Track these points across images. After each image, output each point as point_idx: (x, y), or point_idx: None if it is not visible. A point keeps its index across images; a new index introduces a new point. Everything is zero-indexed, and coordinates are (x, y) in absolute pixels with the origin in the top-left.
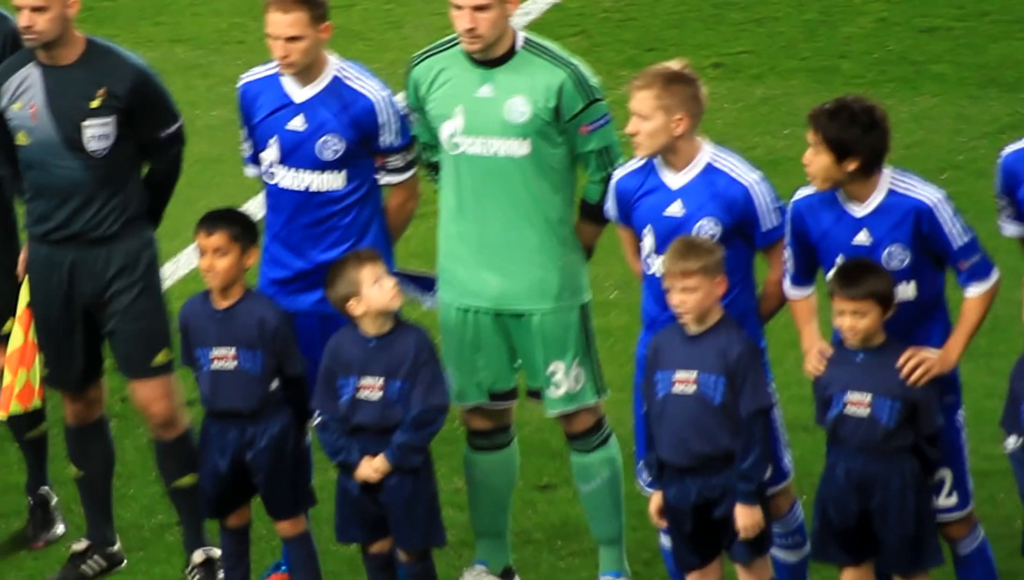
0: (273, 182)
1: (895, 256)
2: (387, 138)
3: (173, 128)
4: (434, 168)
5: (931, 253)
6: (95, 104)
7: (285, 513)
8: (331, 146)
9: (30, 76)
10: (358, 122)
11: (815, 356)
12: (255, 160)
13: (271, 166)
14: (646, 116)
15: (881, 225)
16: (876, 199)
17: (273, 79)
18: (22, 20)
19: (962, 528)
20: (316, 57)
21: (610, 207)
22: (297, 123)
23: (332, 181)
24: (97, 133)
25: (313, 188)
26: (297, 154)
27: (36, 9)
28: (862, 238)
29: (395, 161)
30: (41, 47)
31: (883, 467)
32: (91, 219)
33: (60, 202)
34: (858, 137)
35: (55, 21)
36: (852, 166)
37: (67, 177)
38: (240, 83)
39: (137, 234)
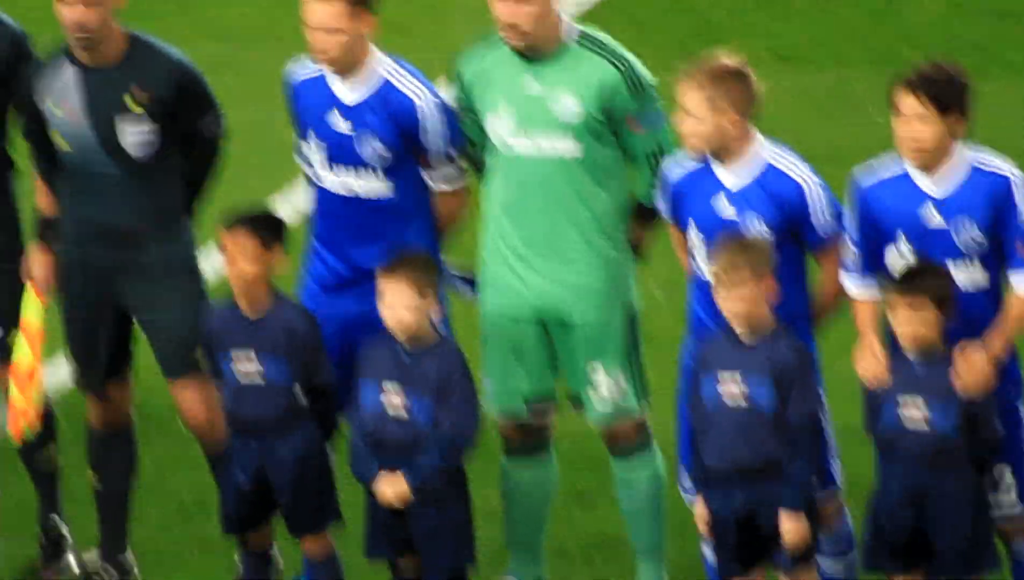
0: (319, 185)
1: (969, 236)
2: (436, 143)
3: (214, 125)
4: (482, 167)
5: (999, 238)
6: (133, 106)
7: (308, 528)
8: (377, 151)
9: (66, 75)
10: (405, 127)
11: (870, 357)
12: (304, 155)
13: (318, 168)
14: (699, 117)
15: (955, 203)
16: (953, 174)
17: (320, 77)
18: (72, 15)
19: (1022, 530)
20: (359, 52)
21: (661, 203)
22: (343, 125)
23: (378, 187)
24: (136, 137)
25: (359, 193)
26: (342, 157)
27: (89, 3)
28: (933, 216)
29: (445, 167)
30: (88, 46)
31: (939, 478)
32: (128, 220)
33: (97, 204)
34: (965, 95)
35: (107, 15)
36: (959, 126)
37: (104, 179)
38: (289, 78)
39: (175, 233)
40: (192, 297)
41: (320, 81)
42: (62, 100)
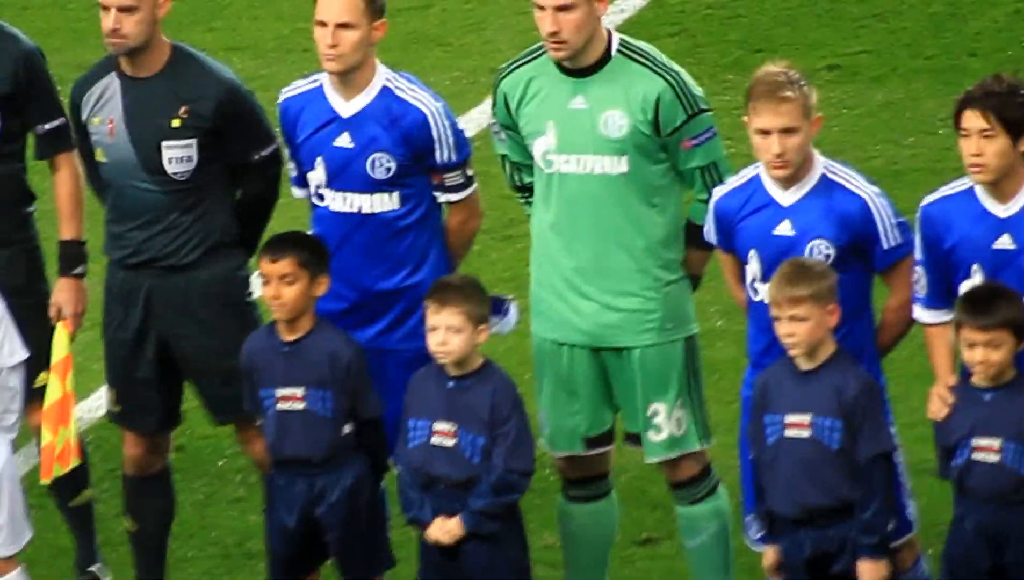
0: (322, 205)
1: None
2: (443, 154)
3: (268, 150)
4: (527, 190)
5: None
6: (176, 123)
7: (362, 575)
8: (382, 164)
9: (110, 87)
10: (409, 137)
11: (938, 396)
12: (301, 181)
13: (319, 188)
14: (796, 128)
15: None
16: (1020, 193)
17: (317, 92)
18: (108, 22)
19: None
20: (365, 61)
21: (709, 230)
22: (344, 140)
23: (385, 202)
24: (178, 155)
25: (365, 210)
26: (346, 174)
27: (124, 9)
28: (1005, 242)
29: (453, 178)
30: (125, 54)
31: (1017, 518)
32: (169, 245)
33: (137, 225)
34: None
35: (144, 24)
36: None
37: (145, 199)
38: (281, 99)
39: (222, 262)
40: (237, 333)
41: (315, 94)
42: (104, 111)
